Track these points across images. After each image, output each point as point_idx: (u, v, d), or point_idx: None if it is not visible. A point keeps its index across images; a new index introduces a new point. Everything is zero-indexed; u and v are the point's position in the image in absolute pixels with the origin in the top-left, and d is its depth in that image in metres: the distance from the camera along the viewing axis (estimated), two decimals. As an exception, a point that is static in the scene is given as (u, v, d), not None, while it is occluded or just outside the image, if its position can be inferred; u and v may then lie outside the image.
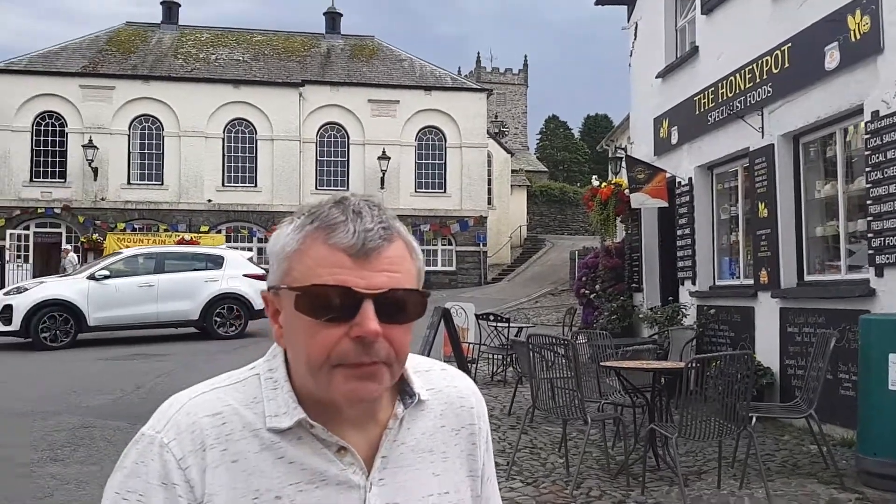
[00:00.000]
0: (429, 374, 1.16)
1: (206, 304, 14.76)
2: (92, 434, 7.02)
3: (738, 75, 8.73)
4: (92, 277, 14.24)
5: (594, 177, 12.77)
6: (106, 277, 14.27)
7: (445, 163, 31.62)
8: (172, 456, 0.98)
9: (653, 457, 5.76)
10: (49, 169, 29.72)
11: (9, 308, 13.60)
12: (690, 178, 10.03)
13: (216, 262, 15.26)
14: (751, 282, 8.58)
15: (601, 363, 6.17)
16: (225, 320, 14.95)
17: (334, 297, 0.96)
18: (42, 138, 29.65)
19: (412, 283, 1.01)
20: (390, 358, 0.99)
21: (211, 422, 1.00)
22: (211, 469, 0.98)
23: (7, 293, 14.31)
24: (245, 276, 15.08)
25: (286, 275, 1.01)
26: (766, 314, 8.10)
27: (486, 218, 32.00)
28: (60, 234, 29.85)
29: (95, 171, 29.30)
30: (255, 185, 30.51)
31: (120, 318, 14.25)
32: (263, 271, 15.05)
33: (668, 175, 10.30)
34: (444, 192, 31.58)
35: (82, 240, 29.23)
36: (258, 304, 14.42)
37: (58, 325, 13.82)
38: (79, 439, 6.82)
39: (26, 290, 14.18)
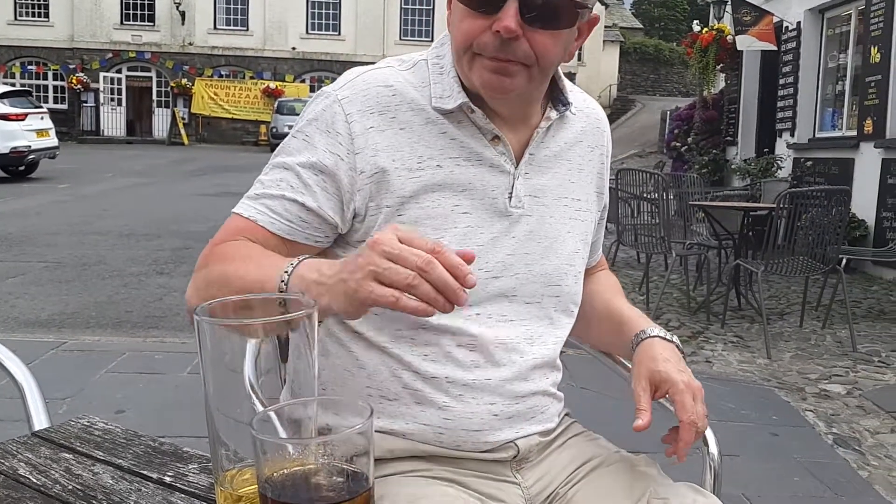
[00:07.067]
0: (572, 93, 1.19)
1: None
2: (192, 254, 7.43)
3: None
4: None
5: (695, 21, 12.08)
6: None
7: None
8: (342, 109, 1.06)
9: (735, 297, 5.77)
10: (138, 12, 30.00)
11: None
12: (799, 23, 9.45)
13: None
14: (853, 133, 8.22)
15: (690, 202, 6.08)
16: None
17: None
18: (131, -20, 29.76)
19: None
20: (529, 59, 1.01)
21: (384, 91, 1.08)
22: (377, 131, 1.06)
23: None
24: None
25: None
26: (867, 166, 7.78)
27: (574, 75, 30.93)
28: (151, 78, 30.51)
29: (183, 14, 29.42)
30: (339, 34, 30.14)
31: None
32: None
33: (775, 19, 9.70)
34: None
35: (171, 85, 29.82)
36: None
37: None
38: (180, 258, 7.27)
39: None
